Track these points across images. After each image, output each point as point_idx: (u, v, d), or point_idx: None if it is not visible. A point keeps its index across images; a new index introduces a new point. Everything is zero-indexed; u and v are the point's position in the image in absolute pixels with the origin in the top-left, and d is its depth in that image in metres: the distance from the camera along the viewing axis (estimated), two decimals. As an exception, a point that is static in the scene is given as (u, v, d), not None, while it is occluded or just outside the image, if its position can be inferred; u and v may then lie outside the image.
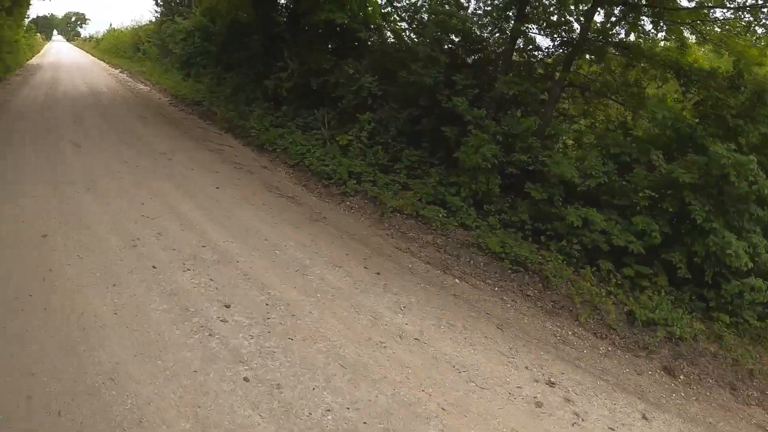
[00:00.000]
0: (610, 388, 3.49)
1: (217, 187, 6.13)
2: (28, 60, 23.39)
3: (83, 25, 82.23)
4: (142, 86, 15.94)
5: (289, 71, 9.28)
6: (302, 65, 9.06)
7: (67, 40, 74.59)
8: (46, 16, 67.13)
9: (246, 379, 2.90)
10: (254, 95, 10.21)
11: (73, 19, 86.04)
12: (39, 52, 31.86)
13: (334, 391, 2.90)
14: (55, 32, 79.20)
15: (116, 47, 26.73)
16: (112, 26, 34.11)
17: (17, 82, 15.44)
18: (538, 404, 3.13)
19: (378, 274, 4.50)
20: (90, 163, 6.74)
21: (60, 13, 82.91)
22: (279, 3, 10.92)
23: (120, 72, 20.80)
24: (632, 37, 6.74)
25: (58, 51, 38.76)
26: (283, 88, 9.33)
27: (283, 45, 9.66)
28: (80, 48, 43.49)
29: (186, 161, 7.06)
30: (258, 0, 10.47)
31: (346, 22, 8.44)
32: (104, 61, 26.27)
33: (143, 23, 23.76)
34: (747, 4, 5.96)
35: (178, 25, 15.98)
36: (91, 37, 46.78)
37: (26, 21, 24.32)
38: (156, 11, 19.51)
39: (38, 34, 37.29)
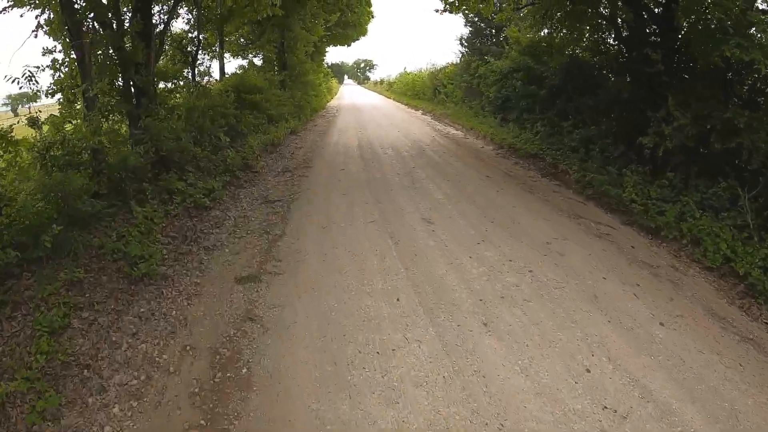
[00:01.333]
0: None
1: (661, 323, 4.06)
2: (327, 102, 28.05)
3: (371, 70, 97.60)
4: (453, 130, 16.27)
5: (673, 126, 7.07)
6: (695, 119, 6.65)
7: (358, 83, 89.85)
8: (338, 64, 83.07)
9: None
10: (614, 153, 8.37)
11: (362, 65, 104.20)
12: (335, 94, 38.56)
13: None
14: (345, 77, 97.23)
15: (412, 89, 29.48)
16: (406, 69, 38.24)
17: (323, 124, 17.58)
18: None
19: None
20: (462, 263, 4.98)
21: (349, 61, 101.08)
22: (652, 38, 8.71)
23: (422, 113, 22.43)
24: None
25: (352, 93, 46.28)
26: (665, 147, 7.05)
27: (660, 90, 7.48)
28: (372, 90, 51.11)
29: (585, 260, 5.13)
30: (632, 36, 8.63)
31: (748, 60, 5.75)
32: (401, 103, 29.27)
33: (440, 65, 25.35)
34: None
35: (492, 65, 15.77)
36: (381, 81, 54.57)
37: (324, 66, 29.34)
38: (460, 52, 20.22)
39: (334, 78, 44.49)
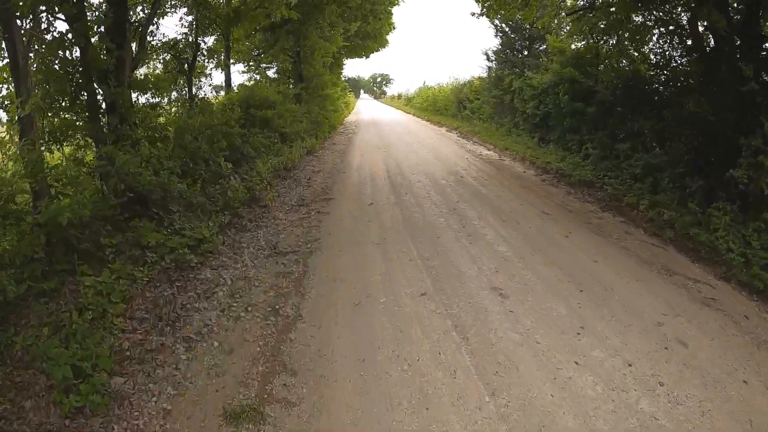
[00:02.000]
0: None
1: None
2: (345, 117, 26.37)
3: (388, 85, 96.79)
4: (485, 150, 14.48)
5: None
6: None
7: (374, 98, 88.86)
8: (354, 78, 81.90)
9: None
10: (692, 185, 6.61)
11: (378, 79, 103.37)
12: (353, 109, 36.89)
13: None
14: (362, 91, 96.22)
15: (434, 104, 27.81)
16: (425, 84, 36.71)
17: (342, 142, 15.74)
18: None
19: None
20: (570, 377, 3.27)
21: (365, 75, 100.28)
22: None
23: (447, 130, 20.68)
24: None
25: (369, 108, 44.58)
26: (762, 183, 5.43)
27: (753, 112, 5.80)
28: (389, 105, 49.62)
29: (712, 353, 3.60)
30: (718, 48, 6.77)
31: None
32: (422, 119, 27.60)
33: (464, 79, 23.66)
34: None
35: (530, 79, 14.00)
36: (399, 95, 53.18)
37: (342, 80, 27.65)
38: (487, 66, 18.42)
39: (351, 92, 42.77)
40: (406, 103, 42.62)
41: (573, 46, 12.49)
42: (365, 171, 10.34)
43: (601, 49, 11.42)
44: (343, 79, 29.05)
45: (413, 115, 31.83)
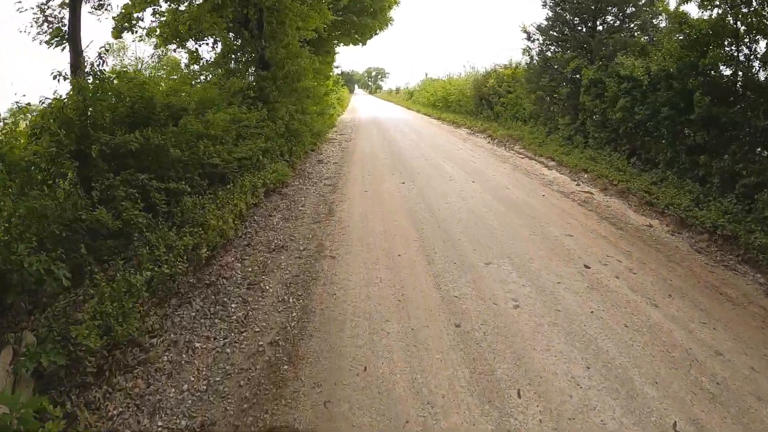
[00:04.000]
0: None
1: None
2: (339, 115, 21.17)
3: (383, 79, 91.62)
4: (544, 169, 9.71)
5: None
6: None
7: (370, 93, 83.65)
8: (348, 72, 75.64)
9: None
10: None
11: (373, 73, 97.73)
12: (347, 106, 31.18)
13: None
14: (356, 87, 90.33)
15: (444, 100, 22.90)
16: (428, 76, 31.77)
17: (332, 159, 10.57)
18: None
19: None
20: None
21: (359, 69, 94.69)
22: None
23: (469, 133, 15.79)
24: None
25: (366, 104, 38.56)
26: None
27: None
28: (388, 101, 44.24)
29: None
30: None
31: None
32: (432, 117, 22.68)
33: (484, 69, 18.70)
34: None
35: (620, 67, 9.23)
36: (397, 90, 48.04)
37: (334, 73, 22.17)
38: (528, 48, 13.31)
39: (345, 87, 36.40)
40: (407, 98, 37.59)
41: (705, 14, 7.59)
42: (378, 251, 4.97)
43: (745, 20, 6.70)
44: (336, 71, 23.83)
45: (419, 112, 26.87)
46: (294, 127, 9.14)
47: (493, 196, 7.11)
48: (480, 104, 17.84)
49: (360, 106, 35.18)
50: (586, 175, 8.75)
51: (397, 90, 48.08)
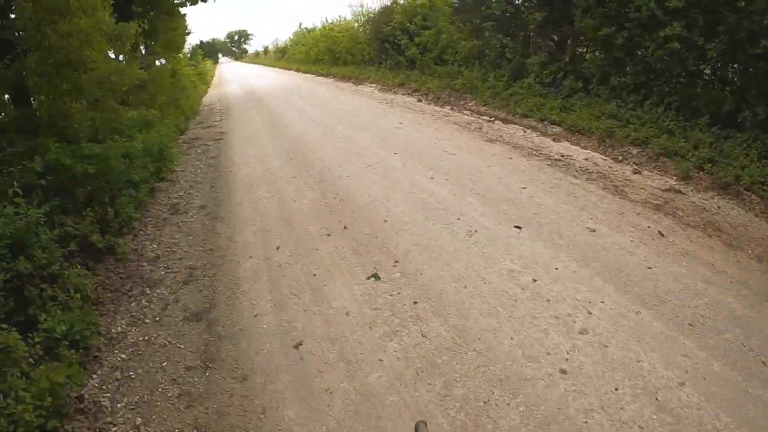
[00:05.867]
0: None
1: None
2: (202, 97, 14.81)
3: (247, 42, 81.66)
4: (550, 142, 6.01)
5: None
6: None
7: (235, 59, 73.99)
8: (208, 42, 63.33)
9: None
10: None
11: (235, 37, 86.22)
12: (212, 80, 23.20)
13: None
14: (219, 55, 78.36)
15: (330, 51, 18.20)
16: (303, 27, 26.41)
17: (195, 199, 5.41)
18: None
19: None
20: None
21: (221, 35, 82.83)
22: None
23: (383, 91, 11.59)
24: None
25: (236, 73, 30.41)
26: None
27: None
28: (260, 64, 37.29)
29: None
30: None
31: None
32: (321, 76, 17.98)
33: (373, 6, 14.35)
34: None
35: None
36: (266, 50, 41.21)
37: (187, 46, 15.06)
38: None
39: (208, 60, 27.41)
40: (279, 57, 31.77)
41: None
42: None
43: None
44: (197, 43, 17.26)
45: (299, 71, 21.84)
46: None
47: (501, 212, 3.22)
48: (382, 49, 13.56)
49: (228, 76, 27.47)
50: (640, 153, 5.17)
51: (266, 50, 41.24)
